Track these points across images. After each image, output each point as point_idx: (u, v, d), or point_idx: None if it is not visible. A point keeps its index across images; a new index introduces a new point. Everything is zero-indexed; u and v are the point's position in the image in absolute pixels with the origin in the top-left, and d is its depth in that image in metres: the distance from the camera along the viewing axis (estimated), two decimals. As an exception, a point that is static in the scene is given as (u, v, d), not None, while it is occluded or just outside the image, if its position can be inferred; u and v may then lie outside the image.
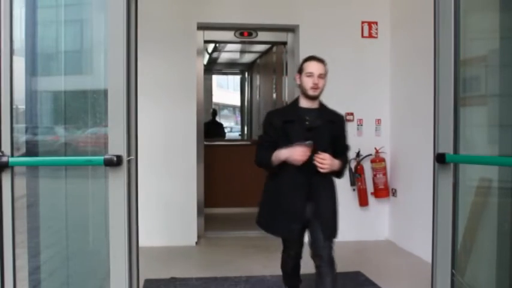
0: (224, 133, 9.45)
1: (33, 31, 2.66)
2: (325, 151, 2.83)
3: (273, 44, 6.30)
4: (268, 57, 7.15)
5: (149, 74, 4.79)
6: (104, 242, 2.40)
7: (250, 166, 7.12)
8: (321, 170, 2.80)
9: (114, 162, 2.27)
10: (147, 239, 4.16)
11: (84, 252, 2.74)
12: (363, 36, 5.31)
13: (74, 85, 2.69)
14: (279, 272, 3.39)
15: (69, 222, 2.66)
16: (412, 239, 4.84)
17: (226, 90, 17.07)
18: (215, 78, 12.08)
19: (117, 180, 2.31)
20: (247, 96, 9.64)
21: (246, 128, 9.86)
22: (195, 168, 5.27)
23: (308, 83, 2.90)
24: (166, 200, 5.13)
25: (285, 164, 2.88)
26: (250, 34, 5.54)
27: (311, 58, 2.98)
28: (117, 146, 2.31)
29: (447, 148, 2.37)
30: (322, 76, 2.92)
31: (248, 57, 8.89)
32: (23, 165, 2.52)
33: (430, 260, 2.47)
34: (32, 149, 2.60)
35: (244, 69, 9.81)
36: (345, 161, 3.06)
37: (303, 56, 5.22)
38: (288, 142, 2.87)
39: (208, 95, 9.92)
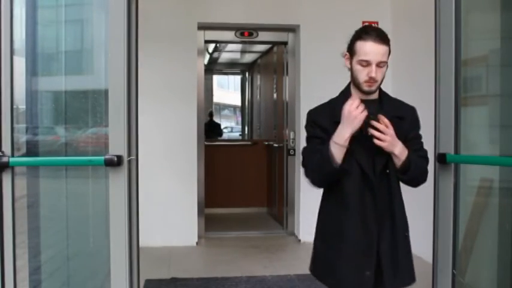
0: (221, 133, 9.64)
1: (33, 31, 2.66)
2: (388, 160, 2.00)
3: (274, 44, 6.29)
4: (268, 57, 7.14)
5: (150, 74, 4.79)
6: (104, 242, 2.40)
7: (250, 166, 7.15)
8: (378, 143, 1.93)
9: (115, 162, 2.27)
10: (147, 239, 4.15)
11: (85, 253, 2.74)
12: (363, 36, 5.29)
13: (74, 85, 2.69)
14: (280, 272, 3.38)
15: (69, 222, 2.65)
16: (412, 239, 4.81)
17: (227, 90, 17.08)
18: (216, 78, 12.09)
19: (117, 180, 2.31)
20: (247, 96, 9.64)
21: (246, 128, 9.85)
22: (196, 168, 5.26)
23: (361, 74, 1.99)
24: (166, 200, 5.13)
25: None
26: (250, 34, 5.54)
27: (368, 33, 1.98)
28: (117, 146, 2.30)
29: (448, 148, 2.37)
30: (383, 64, 1.97)
31: (249, 57, 8.88)
32: (23, 165, 2.52)
33: (430, 260, 2.47)
34: (32, 149, 2.60)
35: (245, 69, 9.80)
36: (421, 161, 2.06)
37: (303, 56, 5.31)
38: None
39: (209, 95, 9.93)
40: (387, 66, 2.01)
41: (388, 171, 2.02)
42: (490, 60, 2.75)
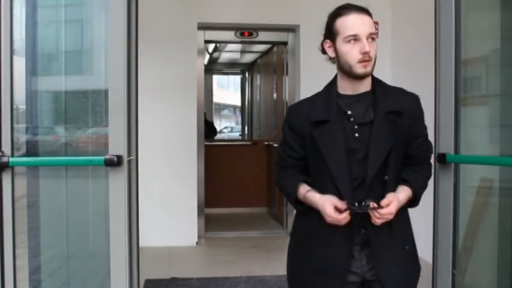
0: (215, 131, 9.67)
1: (33, 31, 2.66)
2: (386, 168, 1.71)
3: (274, 44, 6.29)
4: (268, 57, 7.15)
5: (150, 74, 4.78)
6: (104, 242, 2.40)
7: (250, 166, 7.14)
8: (376, 223, 1.68)
9: (115, 162, 2.27)
10: (147, 239, 4.15)
11: (85, 252, 2.74)
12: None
13: (74, 85, 2.68)
14: (279, 272, 3.38)
15: (69, 222, 2.65)
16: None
17: (227, 90, 17.08)
18: (215, 78, 12.09)
19: (117, 181, 2.31)
20: (247, 96, 9.64)
21: (246, 128, 9.85)
22: (196, 168, 5.26)
23: (352, 53, 1.69)
24: (166, 200, 5.13)
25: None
26: (250, 34, 5.54)
27: (346, 8, 1.76)
28: (117, 146, 2.30)
29: (448, 148, 2.37)
30: (374, 36, 1.72)
31: (248, 57, 8.88)
32: (23, 166, 2.52)
33: (430, 261, 2.47)
34: (32, 149, 2.60)
35: (245, 69, 9.80)
36: (425, 176, 1.86)
37: (303, 56, 5.31)
38: (319, 162, 1.74)
39: (209, 95, 9.93)
40: (377, 42, 1.74)
41: (386, 177, 1.72)
42: (490, 60, 2.74)
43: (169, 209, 5.13)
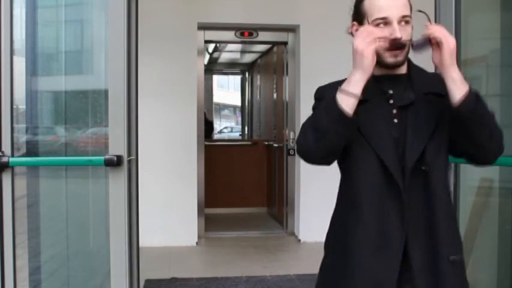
0: (212, 129, 9.69)
1: (33, 31, 2.66)
2: (426, 156, 1.43)
3: (274, 44, 6.28)
4: (268, 57, 7.14)
5: (150, 74, 4.78)
6: (104, 242, 2.40)
7: (250, 166, 7.14)
8: (429, 33, 1.38)
9: (115, 162, 2.27)
10: (147, 239, 4.15)
11: (85, 252, 2.74)
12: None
13: (74, 85, 2.69)
14: (279, 272, 3.38)
15: (69, 222, 2.66)
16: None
17: (227, 90, 17.08)
18: (216, 78, 12.08)
19: (117, 181, 2.31)
20: (247, 96, 9.64)
21: (246, 128, 9.85)
22: (196, 168, 5.26)
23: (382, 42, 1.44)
24: (166, 200, 5.13)
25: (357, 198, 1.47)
26: (250, 34, 5.54)
27: None
28: (117, 146, 2.31)
29: (448, 148, 2.36)
30: (408, 19, 1.46)
31: (249, 57, 8.88)
32: (23, 166, 2.52)
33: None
34: (32, 149, 2.60)
35: (245, 69, 9.80)
36: (488, 110, 1.42)
37: (303, 56, 5.32)
38: (358, 142, 1.47)
39: (209, 95, 9.93)
40: (412, 27, 1.47)
41: (423, 167, 1.44)
42: (490, 60, 2.74)
43: (169, 209, 5.13)
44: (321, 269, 1.61)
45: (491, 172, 2.62)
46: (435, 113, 1.46)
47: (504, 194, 2.71)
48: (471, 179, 2.64)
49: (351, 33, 1.57)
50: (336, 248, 1.54)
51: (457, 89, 1.36)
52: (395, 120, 1.49)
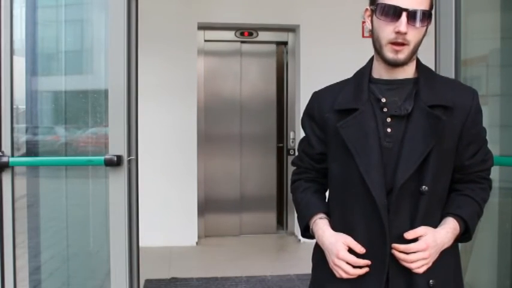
0: None
1: (33, 31, 2.66)
2: (423, 176, 1.32)
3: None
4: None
5: (150, 74, 4.78)
6: (104, 242, 2.40)
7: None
8: (417, 271, 1.31)
9: (115, 162, 2.27)
10: (147, 239, 4.15)
11: (85, 252, 2.74)
12: (363, 36, 5.29)
13: (74, 85, 2.69)
14: (280, 272, 3.38)
15: (69, 222, 2.66)
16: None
17: (227, 90, 17.04)
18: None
19: (117, 180, 2.31)
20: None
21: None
22: (196, 168, 5.26)
23: (385, 30, 1.32)
24: (166, 200, 5.13)
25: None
26: (250, 34, 5.54)
27: None
28: (117, 146, 2.30)
29: (448, 148, 2.36)
30: (421, 18, 1.29)
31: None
32: (23, 165, 2.52)
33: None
34: (32, 149, 2.60)
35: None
36: (479, 198, 1.43)
37: (303, 56, 5.31)
38: (344, 163, 1.39)
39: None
40: (427, 27, 1.33)
41: (423, 187, 1.33)
42: (490, 60, 2.74)
43: (169, 209, 5.13)
44: (311, 282, 1.57)
45: (491, 172, 2.62)
46: (437, 130, 1.32)
47: (504, 194, 2.71)
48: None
49: (366, 17, 1.42)
50: (322, 266, 1.47)
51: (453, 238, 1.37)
52: (389, 130, 1.36)
